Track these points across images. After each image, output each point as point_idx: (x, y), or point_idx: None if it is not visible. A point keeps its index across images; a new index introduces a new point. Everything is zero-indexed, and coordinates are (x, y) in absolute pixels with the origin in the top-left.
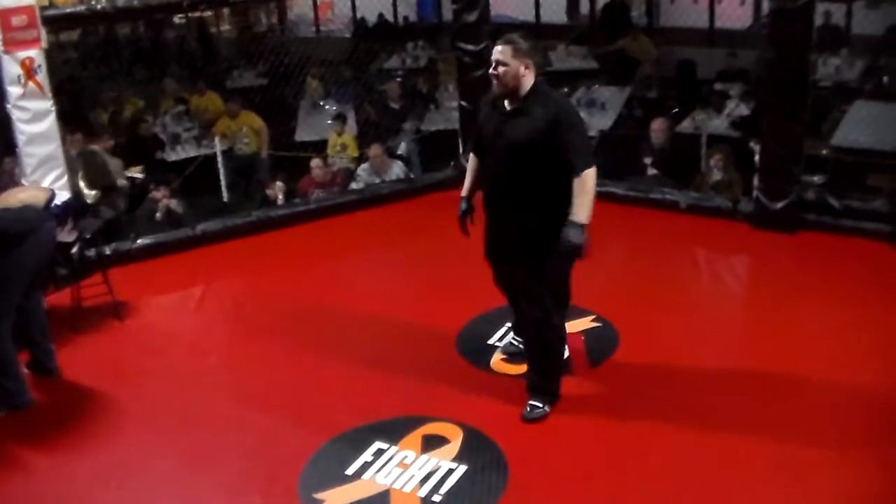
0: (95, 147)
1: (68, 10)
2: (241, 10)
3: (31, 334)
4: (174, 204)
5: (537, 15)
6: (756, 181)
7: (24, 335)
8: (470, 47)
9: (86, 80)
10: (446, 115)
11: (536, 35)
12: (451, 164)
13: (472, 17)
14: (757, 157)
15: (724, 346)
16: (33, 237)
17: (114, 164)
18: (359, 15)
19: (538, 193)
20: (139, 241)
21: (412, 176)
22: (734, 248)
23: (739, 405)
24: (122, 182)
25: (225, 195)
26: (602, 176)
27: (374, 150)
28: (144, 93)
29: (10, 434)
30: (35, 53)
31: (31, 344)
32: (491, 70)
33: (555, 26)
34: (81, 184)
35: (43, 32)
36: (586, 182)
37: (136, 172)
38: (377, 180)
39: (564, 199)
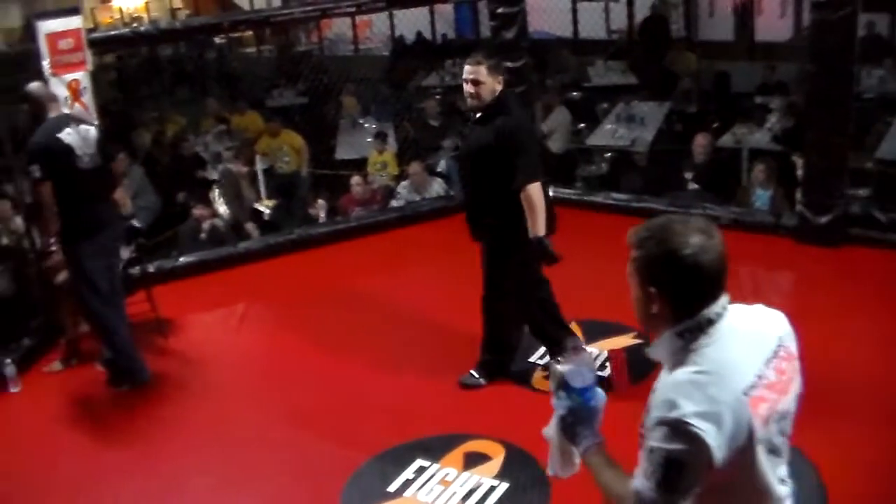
0: (237, 169)
1: (113, 33)
2: (280, 30)
3: None
4: (217, 222)
5: (575, 31)
6: (799, 195)
7: None
8: (509, 64)
9: (129, 101)
10: None
11: (574, 51)
12: None
13: (510, 34)
14: (800, 171)
15: None
16: (107, 232)
17: (248, 188)
18: (397, 33)
19: (488, 202)
20: (182, 259)
21: (452, 193)
22: (777, 264)
23: None
24: (259, 207)
25: (267, 210)
26: (642, 191)
27: (415, 167)
28: (186, 112)
29: (53, 448)
30: (81, 76)
31: None
32: (467, 88)
33: (593, 42)
34: (220, 204)
35: (89, 55)
36: (531, 198)
37: (268, 206)
38: (417, 198)
39: (515, 205)
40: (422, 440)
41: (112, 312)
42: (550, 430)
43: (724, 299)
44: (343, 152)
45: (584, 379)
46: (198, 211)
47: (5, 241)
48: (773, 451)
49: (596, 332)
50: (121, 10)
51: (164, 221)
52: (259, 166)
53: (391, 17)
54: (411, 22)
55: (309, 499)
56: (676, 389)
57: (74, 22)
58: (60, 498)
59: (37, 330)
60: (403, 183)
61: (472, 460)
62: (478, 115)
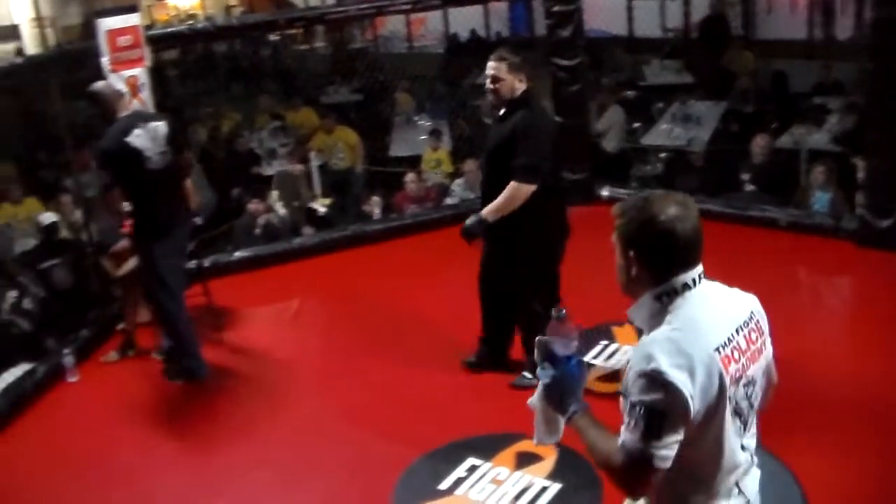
0: (293, 169)
1: (170, 30)
2: (335, 27)
3: None
4: (272, 217)
5: (630, 29)
6: (860, 198)
7: None
8: (564, 62)
9: (185, 97)
10: None
11: (630, 49)
12: None
13: (566, 32)
14: (860, 173)
15: (825, 369)
16: (178, 231)
17: (304, 188)
18: (451, 30)
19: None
20: (237, 254)
21: None
22: (837, 268)
23: (841, 430)
24: (314, 206)
25: (323, 208)
26: (698, 192)
27: (469, 165)
28: (241, 109)
29: (109, 438)
30: (139, 72)
31: None
32: (488, 84)
33: (648, 40)
34: (278, 204)
35: (147, 51)
36: (514, 193)
37: (324, 204)
38: (472, 195)
39: (528, 203)
40: (474, 438)
41: (179, 309)
42: (535, 399)
43: (698, 268)
44: (397, 149)
45: (568, 348)
46: (253, 206)
47: (64, 233)
48: (739, 413)
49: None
50: (176, 8)
51: (219, 217)
52: (314, 163)
53: (445, 14)
54: (466, 19)
55: (361, 495)
56: (652, 345)
57: (133, 19)
58: (117, 486)
59: (94, 321)
60: (458, 180)
61: (525, 460)
62: (500, 112)
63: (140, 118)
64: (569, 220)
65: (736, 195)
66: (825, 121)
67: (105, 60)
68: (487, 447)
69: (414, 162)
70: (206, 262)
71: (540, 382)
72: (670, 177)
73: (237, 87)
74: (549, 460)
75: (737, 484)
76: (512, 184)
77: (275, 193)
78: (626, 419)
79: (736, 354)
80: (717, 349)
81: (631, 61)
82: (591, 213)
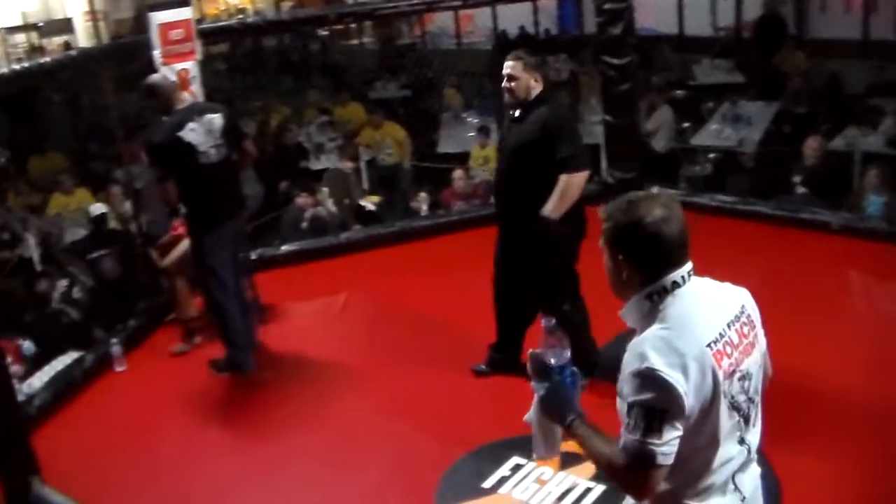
0: (344, 167)
1: (222, 24)
2: (383, 23)
3: None
4: (320, 210)
5: (680, 27)
6: None
7: None
8: (614, 61)
9: (234, 91)
10: (588, 129)
11: (680, 48)
12: (595, 179)
13: (616, 30)
14: None
15: (879, 378)
16: (232, 222)
17: (355, 186)
18: (500, 27)
19: (528, 195)
20: (284, 247)
21: None
22: (891, 273)
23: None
24: (363, 203)
25: (372, 206)
26: (748, 194)
27: None
28: (289, 103)
29: (156, 427)
30: (191, 65)
31: None
32: (504, 83)
33: (699, 39)
34: (329, 202)
35: (198, 45)
36: (568, 185)
37: (373, 202)
38: None
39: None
40: (518, 437)
41: (232, 303)
42: (532, 414)
43: (687, 266)
44: (445, 146)
45: (561, 358)
46: (301, 199)
47: (113, 224)
48: (737, 408)
49: None
50: (226, 2)
51: (267, 210)
52: (362, 157)
53: (494, 11)
54: (514, 16)
55: (404, 490)
56: (645, 344)
57: (185, 13)
58: (163, 474)
59: (142, 312)
60: None
61: (569, 460)
62: (516, 113)
63: (195, 111)
64: (586, 219)
65: (787, 198)
66: (880, 123)
67: (157, 54)
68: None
69: (461, 159)
70: (253, 255)
71: (535, 396)
72: (720, 178)
73: (286, 81)
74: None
75: (733, 479)
76: (562, 177)
77: (325, 191)
78: (624, 420)
79: (728, 349)
80: (709, 345)
81: (681, 60)
82: None
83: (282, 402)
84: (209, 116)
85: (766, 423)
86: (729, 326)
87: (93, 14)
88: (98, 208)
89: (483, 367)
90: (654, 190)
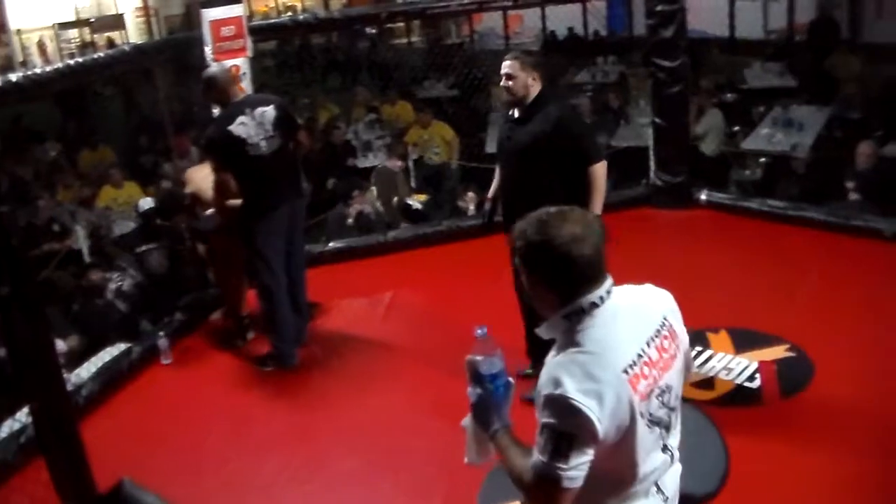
0: (392, 166)
1: (273, 21)
2: (431, 22)
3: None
4: (366, 208)
5: (731, 30)
6: None
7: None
8: (665, 63)
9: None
10: (637, 131)
11: (731, 51)
12: (643, 181)
13: (668, 32)
14: None
15: None
16: (285, 209)
17: (403, 185)
18: (549, 28)
19: (543, 194)
20: (331, 244)
21: None
22: None
23: None
24: (410, 202)
25: (419, 204)
26: (799, 199)
27: None
28: (337, 100)
29: (200, 420)
30: (241, 62)
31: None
32: (502, 82)
33: (750, 42)
34: (377, 202)
35: (249, 42)
36: (598, 177)
37: (420, 200)
38: None
39: (569, 199)
40: None
41: (281, 293)
42: (467, 420)
43: (606, 284)
44: (493, 146)
45: (493, 366)
46: (356, 197)
47: (160, 219)
48: (656, 423)
49: (747, 342)
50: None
51: (314, 207)
52: (409, 156)
53: (543, 11)
54: (563, 17)
55: (447, 489)
56: (561, 368)
57: (236, 10)
58: (207, 468)
59: (188, 305)
60: None
61: None
62: (516, 113)
63: (247, 104)
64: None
65: (839, 204)
66: None
67: (208, 50)
68: None
69: None
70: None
71: (470, 402)
72: (770, 182)
73: (334, 78)
74: None
75: (655, 483)
76: (593, 168)
77: (373, 190)
78: (537, 439)
79: (646, 370)
80: (626, 370)
81: (731, 63)
82: (688, 217)
83: (325, 399)
84: (261, 109)
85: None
86: (648, 345)
87: (145, 10)
88: (147, 202)
89: (529, 370)
90: (569, 208)
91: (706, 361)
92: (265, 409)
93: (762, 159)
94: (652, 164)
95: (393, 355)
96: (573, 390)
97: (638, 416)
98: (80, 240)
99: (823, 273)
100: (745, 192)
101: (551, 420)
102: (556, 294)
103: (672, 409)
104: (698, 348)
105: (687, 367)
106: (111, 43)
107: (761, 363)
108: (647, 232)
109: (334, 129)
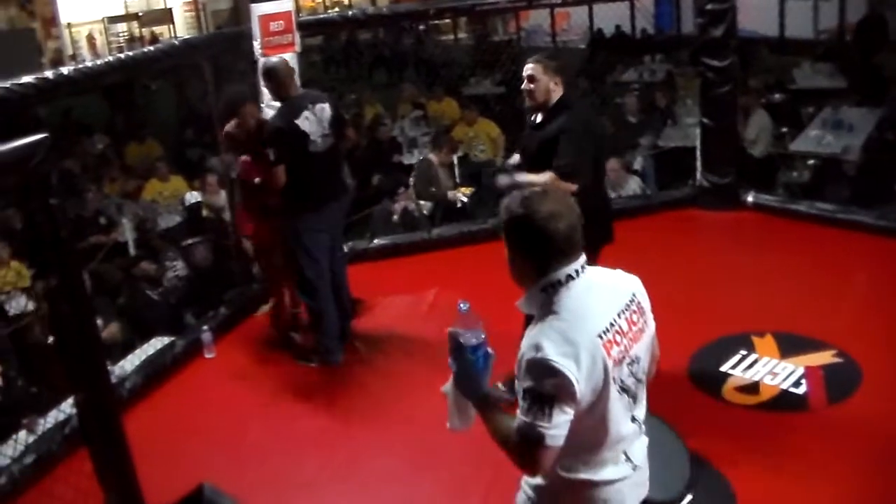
0: (433, 158)
1: (322, 16)
2: (478, 19)
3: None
4: (410, 205)
5: (781, 29)
6: None
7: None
8: (715, 63)
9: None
10: (684, 131)
11: (780, 51)
12: (689, 182)
13: (718, 31)
14: None
15: None
16: (332, 205)
17: (444, 181)
18: (596, 26)
19: None
20: (376, 241)
21: (648, 192)
22: None
23: None
24: (452, 196)
25: (465, 198)
26: (849, 202)
27: (613, 163)
28: (383, 97)
29: (242, 414)
30: (289, 57)
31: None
32: (524, 85)
33: (799, 42)
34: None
35: (297, 37)
36: (561, 182)
37: (465, 193)
38: (613, 195)
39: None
40: None
41: (325, 288)
42: (448, 386)
43: (580, 259)
44: None
45: (475, 338)
46: (401, 200)
47: (205, 213)
48: (626, 390)
49: (793, 346)
50: None
51: (359, 203)
52: (455, 153)
53: (590, 9)
54: (610, 15)
55: (487, 488)
56: (540, 334)
57: (286, 5)
58: (248, 463)
59: (232, 300)
60: None
61: None
62: (538, 118)
63: (309, 99)
64: (612, 228)
65: (890, 207)
66: None
67: (257, 44)
68: None
69: None
70: (345, 248)
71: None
72: (819, 185)
73: (380, 74)
74: None
75: (624, 452)
76: (551, 175)
77: (412, 179)
78: (520, 402)
79: (618, 338)
80: (600, 335)
81: (780, 63)
82: (735, 219)
83: (367, 396)
84: (321, 105)
85: None
86: (619, 316)
87: (195, 4)
88: (193, 197)
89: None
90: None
91: (751, 365)
92: (307, 406)
93: (811, 161)
94: (699, 164)
95: (435, 353)
96: (553, 353)
97: (611, 381)
98: (127, 232)
99: (872, 278)
100: (793, 194)
101: (533, 383)
102: (535, 266)
103: (639, 381)
104: (743, 352)
105: (653, 351)
106: (154, 38)
107: (807, 368)
108: (693, 233)
109: (380, 125)
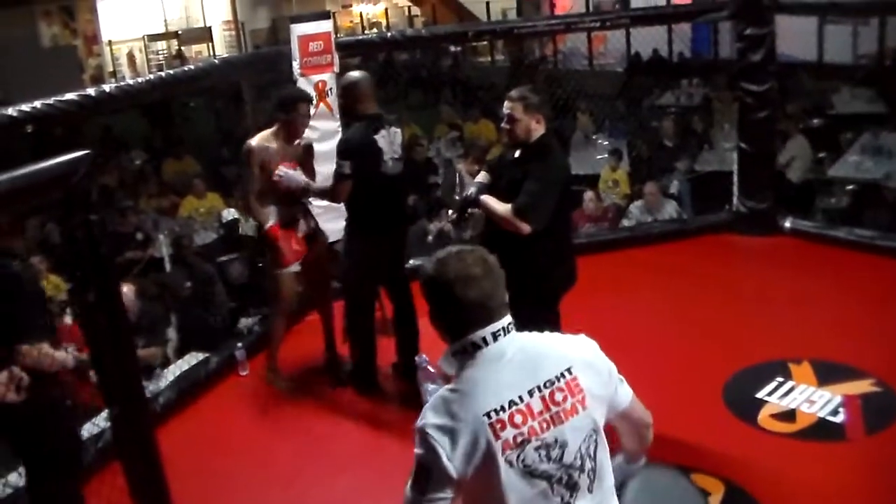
0: (460, 166)
1: (361, 37)
2: (514, 41)
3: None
4: (446, 225)
5: (820, 54)
6: None
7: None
8: (753, 87)
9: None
10: (721, 155)
11: (818, 76)
12: (726, 207)
13: (757, 56)
14: None
15: None
16: (392, 233)
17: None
18: (633, 49)
19: (520, 244)
20: (412, 262)
21: (685, 216)
22: None
23: None
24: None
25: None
26: (889, 229)
27: (650, 187)
28: (419, 117)
29: (276, 437)
30: (328, 77)
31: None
32: (503, 124)
33: (838, 66)
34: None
35: (336, 58)
36: (504, 217)
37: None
38: (649, 219)
39: (542, 255)
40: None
41: (371, 312)
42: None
43: (494, 326)
44: (575, 167)
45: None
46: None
47: (242, 231)
48: (540, 476)
49: (831, 374)
50: (361, 16)
51: None
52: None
53: (628, 33)
54: (646, 39)
55: None
56: (431, 402)
57: (325, 26)
58: (278, 481)
59: (267, 317)
60: (637, 202)
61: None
62: (516, 153)
63: (384, 121)
64: (574, 271)
65: None
66: None
67: (296, 65)
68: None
69: (590, 181)
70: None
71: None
72: (858, 211)
73: (415, 95)
74: (717, 496)
75: None
76: (510, 210)
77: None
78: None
79: (518, 418)
80: (488, 413)
81: (819, 88)
82: (772, 244)
83: (400, 416)
84: (394, 129)
85: None
86: (531, 394)
87: (235, 24)
88: (230, 213)
89: None
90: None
91: (788, 393)
92: (339, 425)
93: (849, 187)
94: (735, 189)
95: None
96: (430, 425)
97: (501, 463)
98: (163, 248)
99: None
100: (832, 220)
101: (416, 450)
102: (446, 328)
103: (575, 468)
104: (779, 379)
105: (634, 418)
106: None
107: (846, 397)
108: (729, 259)
109: (417, 146)
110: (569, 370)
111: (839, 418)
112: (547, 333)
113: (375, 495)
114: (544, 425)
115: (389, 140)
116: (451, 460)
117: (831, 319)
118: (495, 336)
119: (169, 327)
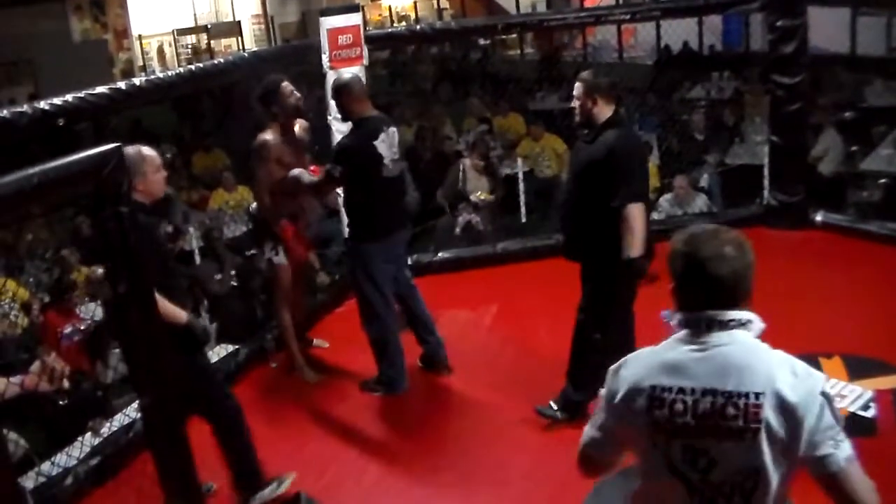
0: (465, 161)
1: (390, 30)
2: (544, 35)
3: (418, 332)
4: (474, 220)
5: (853, 46)
6: None
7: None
8: (785, 80)
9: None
10: (752, 149)
11: (851, 68)
12: (757, 200)
13: (789, 48)
14: None
15: None
16: (397, 235)
17: (473, 182)
18: (663, 41)
19: (590, 219)
20: (440, 255)
21: (715, 210)
22: None
23: None
24: (475, 199)
25: (524, 216)
26: None
27: (680, 180)
28: (448, 111)
29: (302, 431)
30: (357, 70)
31: (422, 341)
32: (571, 103)
33: (873, 59)
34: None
35: (365, 51)
36: (629, 218)
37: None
38: (679, 212)
39: (610, 227)
40: None
41: (391, 320)
42: None
43: (729, 314)
44: None
45: None
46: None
47: None
48: (682, 476)
49: (862, 368)
50: (390, 9)
51: (423, 217)
52: (520, 169)
53: (658, 25)
54: (678, 31)
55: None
56: (637, 352)
57: (354, 19)
58: (307, 472)
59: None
60: (666, 196)
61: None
62: (586, 134)
63: (384, 122)
64: (653, 241)
65: None
66: None
67: (325, 58)
68: None
69: None
70: (409, 261)
71: None
72: (890, 204)
73: (444, 88)
74: None
75: None
76: (626, 210)
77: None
78: None
79: (679, 406)
80: (654, 386)
81: (851, 81)
82: (803, 238)
83: (428, 409)
84: (392, 129)
85: None
86: (704, 394)
87: (265, 17)
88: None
89: (552, 404)
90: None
91: None
92: (367, 418)
93: (882, 180)
94: (766, 182)
95: (497, 369)
96: (615, 365)
97: (647, 435)
98: (192, 241)
99: None
100: (864, 214)
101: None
102: (681, 302)
103: (718, 491)
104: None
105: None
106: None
107: (877, 392)
108: (760, 252)
109: (445, 139)
110: (757, 395)
111: (870, 413)
112: (780, 351)
113: (403, 486)
114: (701, 430)
115: (389, 143)
116: (607, 400)
117: (863, 314)
118: (723, 324)
119: (199, 319)
